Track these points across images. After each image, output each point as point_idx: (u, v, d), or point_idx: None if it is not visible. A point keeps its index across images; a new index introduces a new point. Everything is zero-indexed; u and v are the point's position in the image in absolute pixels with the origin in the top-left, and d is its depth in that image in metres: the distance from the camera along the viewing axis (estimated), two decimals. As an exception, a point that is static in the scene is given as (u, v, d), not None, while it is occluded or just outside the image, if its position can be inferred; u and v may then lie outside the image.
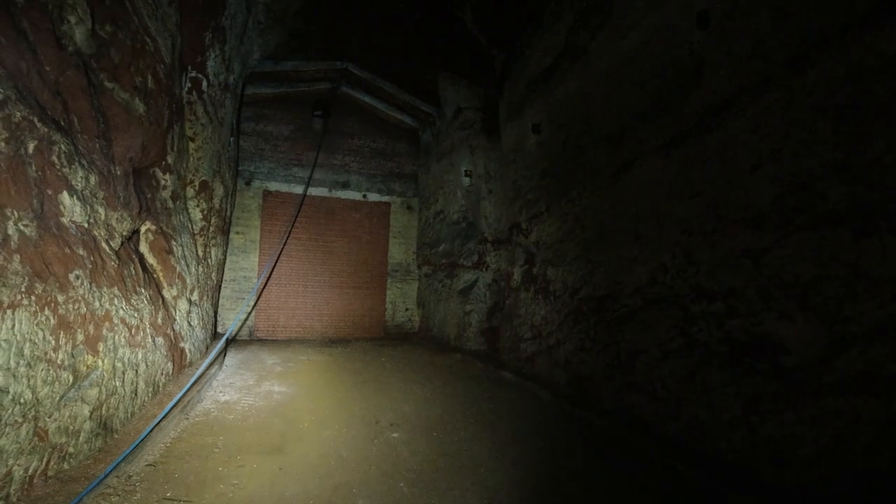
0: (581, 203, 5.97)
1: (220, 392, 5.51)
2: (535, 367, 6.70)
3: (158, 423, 3.61)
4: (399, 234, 11.38)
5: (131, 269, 4.02)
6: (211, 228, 7.15)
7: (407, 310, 11.32)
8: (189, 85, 5.47)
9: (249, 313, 9.97)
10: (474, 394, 5.97)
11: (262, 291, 10.10)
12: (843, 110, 3.01)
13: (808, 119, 3.22)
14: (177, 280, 5.37)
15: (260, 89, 9.70)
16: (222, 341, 5.88)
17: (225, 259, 9.33)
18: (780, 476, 3.23)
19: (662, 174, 4.59)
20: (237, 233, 9.93)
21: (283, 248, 9.88)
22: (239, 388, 5.72)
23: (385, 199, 11.29)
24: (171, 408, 3.85)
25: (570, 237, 6.18)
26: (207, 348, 6.91)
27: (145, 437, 3.37)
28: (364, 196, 11.08)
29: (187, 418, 4.46)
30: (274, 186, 10.33)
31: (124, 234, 3.95)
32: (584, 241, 5.87)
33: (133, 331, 3.88)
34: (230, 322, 9.56)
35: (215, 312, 8.62)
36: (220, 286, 9.25)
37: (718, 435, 3.73)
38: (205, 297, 7.02)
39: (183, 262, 5.59)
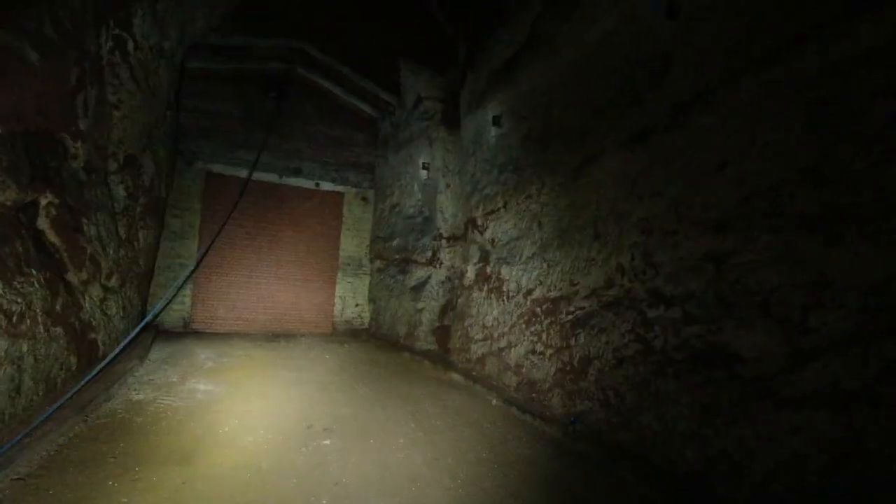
0: (540, 200, 5.71)
1: (135, 390, 4.92)
2: (486, 369, 6.41)
3: (35, 428, 3.05)
4: (352, 227, 10.85)
5: (17, 245, 3.42)
6: (138, 209, 6.47)
7: (357, 305, 10.82)
8: (111, 44, 4.81)
9: (173, 298, 9.17)
10: (420, 396, 5.60)
11: (200, 280, 9.37)
12: (815, 108, 2.82)
13: (779, 118, 3.03)
14: (87, 263, 4.74)
15: (206, 63, 8.94)
16: (136, 330, 5.27)
17: (158, 244, 8.58)
18: (735, 493, 3.03)
19: (625, 171, 4.37)
20: (175, 216, 9.15)
21: (225, 235, 9.18)
22: (158, 386, 5.13)
23: (339, 188, 10.75)
24: (55, 410, 3.29)
25: (527, 235, 5.92)
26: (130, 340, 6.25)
27: (14, 444, 2.82)
28: (317, 185, 10.50)
29: (86, 420, 3.88)
30: (218, 169, 9.60)
31: (7, 203, 3.34)
32: (541, 240, 5.61)
33: (15, 319, 3.29)
34: (164, 312, 8.83)
35: (145, 301, 7.89)
36: (152, 273, 8.50)
37: (672, 447, 3.52)
38: (128, 284, 6.34)
39: (97, 242, 4.96)
